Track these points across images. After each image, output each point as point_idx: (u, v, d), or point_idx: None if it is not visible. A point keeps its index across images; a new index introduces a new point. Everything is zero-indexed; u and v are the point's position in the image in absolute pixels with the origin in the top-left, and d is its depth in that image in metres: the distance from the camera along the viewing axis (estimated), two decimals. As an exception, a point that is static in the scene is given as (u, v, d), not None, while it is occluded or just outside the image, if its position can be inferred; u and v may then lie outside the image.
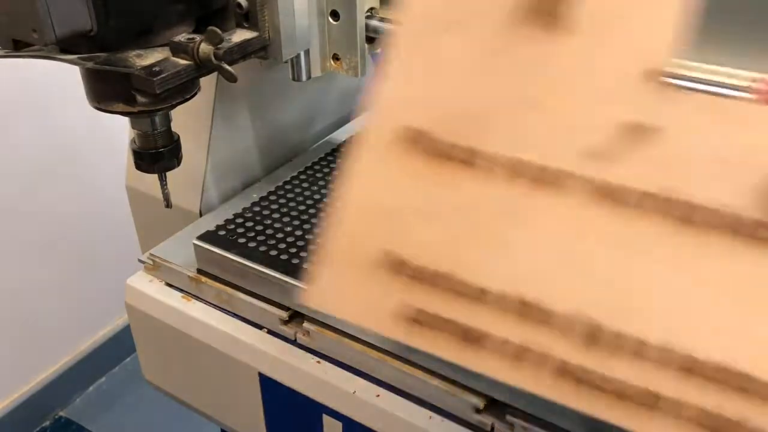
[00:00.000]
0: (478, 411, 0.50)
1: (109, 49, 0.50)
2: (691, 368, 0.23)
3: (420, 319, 0.26)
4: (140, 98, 0.50)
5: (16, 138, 1.50)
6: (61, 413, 1.76)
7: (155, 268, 0.66)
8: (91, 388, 1.83)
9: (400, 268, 0.26)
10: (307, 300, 0.29)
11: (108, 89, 0.51)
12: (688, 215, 0.23)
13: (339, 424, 0.56)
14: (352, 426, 0.55)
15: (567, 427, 0.48)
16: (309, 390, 0.57)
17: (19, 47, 0.48)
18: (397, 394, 0.54)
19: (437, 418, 0.52)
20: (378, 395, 0.54)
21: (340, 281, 0.27)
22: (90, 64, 0.50)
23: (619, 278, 0.24)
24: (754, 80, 0.49)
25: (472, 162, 0.26)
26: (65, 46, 0.50)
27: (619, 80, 0.24)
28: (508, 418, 0.49)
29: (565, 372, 0.24)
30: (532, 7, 0.25)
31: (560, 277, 0.24)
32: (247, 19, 0.56)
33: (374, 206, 0.27)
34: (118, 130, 1.35)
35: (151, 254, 0.66)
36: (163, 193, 0.60)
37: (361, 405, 0.54)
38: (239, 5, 0.55)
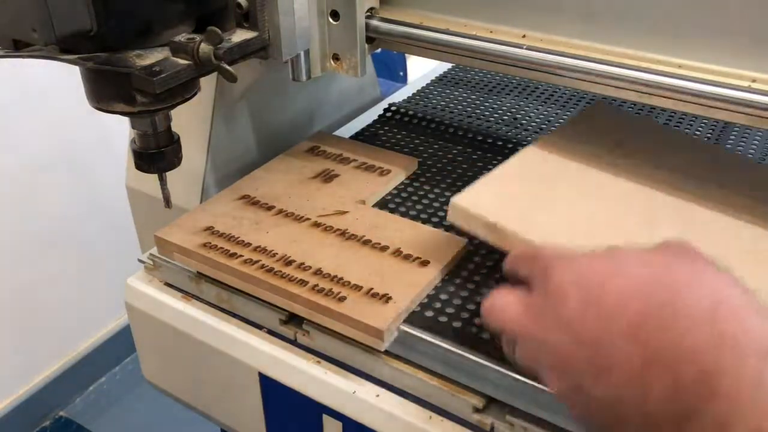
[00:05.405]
0: (478, 411, 0.50)
1: (109, 49, 0.50)
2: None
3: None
4: (140, 98, 0.50)
5: (16, 138, 1.50)
6: (62, 413, 1.76)
7: (155, 268, 0.66)
8: (91, 388, 1.83)
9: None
10: None
11: (108, 89, 0.51)
12: None
13: (339, 424, 0.56)
14: (352, 426, 0.55)
15: (567, 427, 0.48)
16: (309, 390, 0.57)
17: (19, 47, 0.49)
18: (397, 394, 0.54)
19: (437, 418, 0.52)
20: (378, 395, 0.54)
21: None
22: (90, 64, 0.50)
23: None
24: (753, 80, 0.49)
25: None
26: (65, 46, 0.50)
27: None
28: (508, 418, 0.49)
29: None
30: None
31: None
32: (247, 19, 0.56)
33: None
34: (118, 130, 1.36)
35: (152, 254, 0.66)
36: (163, 193, 0.60)
37: (361, 405, 0.54)
38: (239, 5, 0.55)
